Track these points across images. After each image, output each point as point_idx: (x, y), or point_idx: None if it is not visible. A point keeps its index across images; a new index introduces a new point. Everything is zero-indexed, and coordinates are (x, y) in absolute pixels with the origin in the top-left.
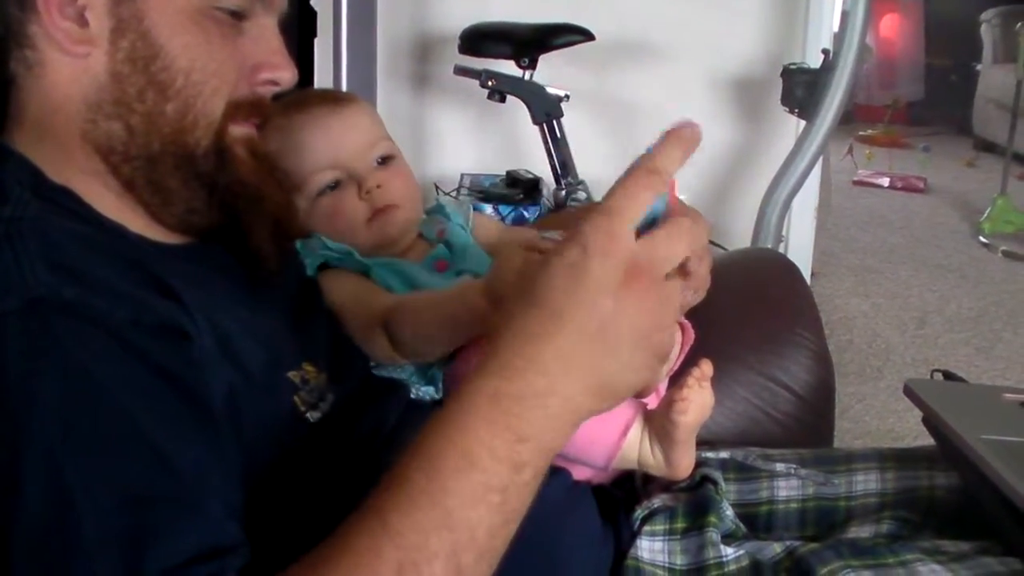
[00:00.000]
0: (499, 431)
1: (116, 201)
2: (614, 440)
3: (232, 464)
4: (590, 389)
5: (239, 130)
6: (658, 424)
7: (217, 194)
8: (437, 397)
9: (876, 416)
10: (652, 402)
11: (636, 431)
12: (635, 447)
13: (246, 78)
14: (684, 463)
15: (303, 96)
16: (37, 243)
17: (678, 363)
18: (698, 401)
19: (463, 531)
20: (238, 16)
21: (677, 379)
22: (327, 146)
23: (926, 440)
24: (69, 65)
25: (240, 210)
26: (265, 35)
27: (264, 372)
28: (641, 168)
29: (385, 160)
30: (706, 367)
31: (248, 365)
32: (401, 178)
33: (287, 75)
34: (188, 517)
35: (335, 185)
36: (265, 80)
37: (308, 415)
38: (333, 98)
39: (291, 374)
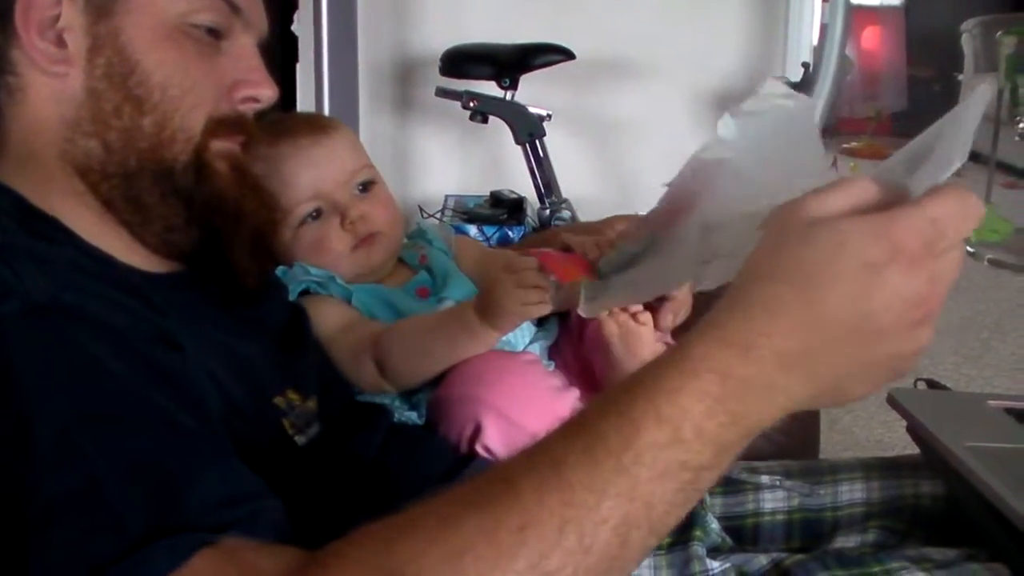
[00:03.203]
0: (716, 413)
1: (98, 224)
2: None
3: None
4: (821, 392)
5: (221, 145)
6: None
7: (195, 210)
8: (420, 422)
9: (864, 427)
10: None
11: None
12: None
13: (226, 96)
14: None
15: (285, 123)
16: (31, 261)
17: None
18: None
19: (641, 504)
20: (215, 34)
21: None
22: (309, 177)
23: (914, 450)
24: (48, 85)
25: (219, 226)
26: (243, 54)
27: (248, 399)
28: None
29: (366, 187)
30: None
31: (231, 391)
32: (383, 205)
33: (267, 92)
34: (211, 467)
35: (317, 215)
36: (245, 97)
37: (296, 438)
38: (315, 126)
39: (277, 399)
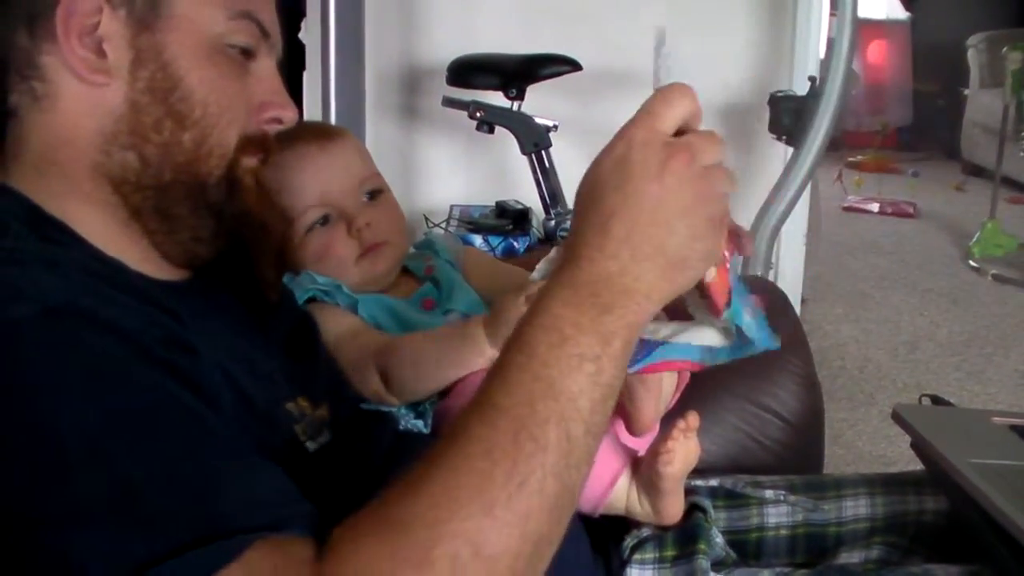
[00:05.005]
0: (583, 309)
1: (118, 232)
2: (601, 491)
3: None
4: (660, 267)
5: (249, 161)
6: (644, 475)
7: (224, 223)
8: (426, 431)
9: (868, 441)
10: (642, 447)
11: (624, 482)
12: (623, 497)
13: (253, 115)
14: (672, 511)
15: (292, 132)
16: (43, 264)
17: (674, 401)
18: (683, 452)
19: (566, 400)
20: (247, 55)
21: (669, 420)
22: (316, 184)
23: (918, 465)
24: (85, 95)
25: (247, 239)
26: (268, 75)
27: (262, 403)
28: (677, 84)
29: (373, 195)
30: (692, 419)
31: (246, 391)
32: (389, 214)
33: (290, 114)
34: (243, 463)
35: (324, 221)
36: (271, 118)
37: (307, 445)
38: (322, 134)
39: (289, 406)
